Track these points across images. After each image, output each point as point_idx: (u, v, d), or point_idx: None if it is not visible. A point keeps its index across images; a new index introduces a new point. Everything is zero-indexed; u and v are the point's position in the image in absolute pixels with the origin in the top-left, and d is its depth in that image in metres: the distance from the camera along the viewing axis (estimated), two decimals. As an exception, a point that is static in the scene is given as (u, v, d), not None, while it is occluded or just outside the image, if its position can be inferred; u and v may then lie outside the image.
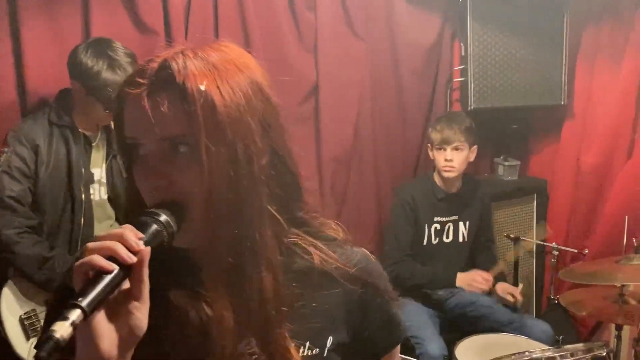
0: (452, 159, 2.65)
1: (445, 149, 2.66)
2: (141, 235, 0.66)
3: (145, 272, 0.65)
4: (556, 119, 3.14)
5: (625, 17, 2.76)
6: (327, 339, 0.82)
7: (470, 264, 2.86)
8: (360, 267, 0.85)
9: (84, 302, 0.60)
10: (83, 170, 2.09)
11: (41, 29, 2.21)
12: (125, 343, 0.65)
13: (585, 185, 2.98)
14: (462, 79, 3.03)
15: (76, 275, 0.63)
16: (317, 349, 0.81)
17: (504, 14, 2.95)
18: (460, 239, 2.80)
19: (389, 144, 3.09)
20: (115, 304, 0.65)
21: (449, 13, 3.05)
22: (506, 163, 3.25)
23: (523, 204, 3.22)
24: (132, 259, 0.64)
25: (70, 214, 2.08)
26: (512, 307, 2.88)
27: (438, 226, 2.76)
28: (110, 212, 2.21)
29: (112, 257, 0.63)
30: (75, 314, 0.59)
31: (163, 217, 0.70)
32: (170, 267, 0.77)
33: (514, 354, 2.05)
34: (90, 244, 0.64)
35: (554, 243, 3.05)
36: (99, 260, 0.62)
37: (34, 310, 2.05)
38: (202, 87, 0.72)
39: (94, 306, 0.61)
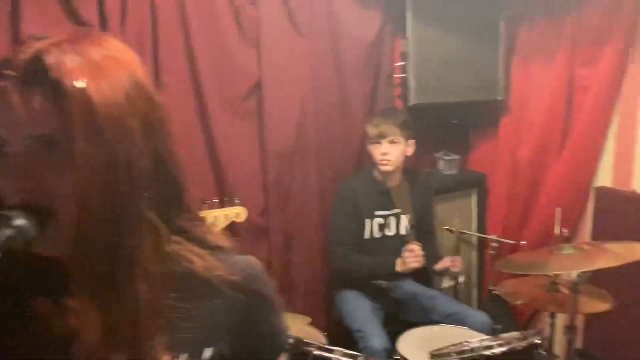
0: (388, 153, 2.70)
1: (381, 143, 2.70)
2: None
3: None
4: (494, 115, 3.23)
5: (558, 17, 2.86)
6: (207, 350, 0.78)
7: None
8: (245, 275, 0.82)
9: None
10: None
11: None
12: None
13: (521, 179, 3.08)
14: (403, 75, 3.07)
15: None
16: None
17: (443, 11, 3.00)
18: (403, 232, 2.85)
19: (332, 139, 3.10)
20: None
21: (390, 9, 3.08)
22: (446, 158, 3.31)
23: (463, 198, 3.30)
24: None
25: None
26: (454, 294, 2.96)
27: (380, 220, 2.80)
28: None
29: None
30: None
31: (19, 222, 0.65)
32: (34, 273, 0.71)
33: (452, 345, 2.09)
34: None
35: (493, 235, 3.16)
36: None
37: None
38: (79, 84, 0.66)
39: None
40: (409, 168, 2.96)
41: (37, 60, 0.67)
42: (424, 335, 2.46)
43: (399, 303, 2.81)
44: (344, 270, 2.78)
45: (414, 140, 2.79)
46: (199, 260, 0.78)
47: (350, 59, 3.07)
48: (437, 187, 3.14)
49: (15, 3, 2.24)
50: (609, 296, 2.34)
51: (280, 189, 2.99)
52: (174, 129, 2.74)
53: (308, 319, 2.08)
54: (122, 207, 0.69)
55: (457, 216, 3.26)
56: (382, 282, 2.83)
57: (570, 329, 2.18)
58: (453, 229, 3.14)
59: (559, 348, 2.41)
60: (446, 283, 3.15)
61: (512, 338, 1.99)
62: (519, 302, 2.44)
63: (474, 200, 3.32)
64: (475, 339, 2.11)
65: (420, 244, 2.65)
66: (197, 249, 0.79)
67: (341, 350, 1.95)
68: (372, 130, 2.74)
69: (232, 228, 2.81)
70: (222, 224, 2.46)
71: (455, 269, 2.72)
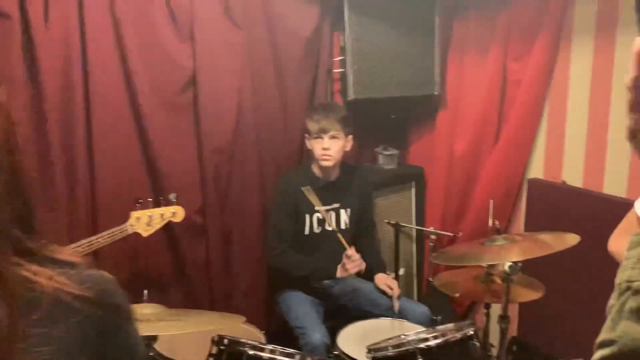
0: (330, 148, 2.69)
1: (322, 138, 2.69)
2: None
3: None
4: (431, 109, 3.27)
5: (491, 11, 2.91)
6: None
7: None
8: (98, 290, 0.79)
9: None
10: None
11: None
12: None
13: (457, 172, 3.13)
14: (342, 69, 3.06)
15: None
16: None
17: (380, 5, 3.01)
18: (343, 226, 2.85)
19: (271, 134, 3.06)
20: None
21: (327, 3, 3.07)
22: (386, 152, 3.34)
23: (402, 191, 3.33)
24: None
25: None
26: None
27: (320, 215, 2.79)
28: None
29: None
30: None
31: None
32: None
33: (390, 339, 2.10)
34: None
35: (431, 227, 3.20)
36: None
37: None
38: None
39: None
40: (348, 163, 2.97)
41: None
42: (363, 330, 2.47)
43: (339, 298, 2.81)
44: (283, 270, 2.76)
45: (352, 136, 2.80)
46: (48, 281, 0.74)
47: (289, 53, 3.04)
48: (376, 182, 3.16)
49: None
50: (541, 285, 2.41)
51: (218, 185, 2.93)
52: (107, 125, 2.64)
53: (242, 318, 2.04)
54: None
55: (396, 210, 3.29)
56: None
57: (503, 318, 2.23)
58: (392, 222, 3.16)
59: (494, 337, 2.46)
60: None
61: (447, 330, 2.02)
62: (455, 293, 2.49)
63: (412, 193, 3.36)
64: (412, 332, 2.12)
65: (355, 251, 2.64)
66: (46, 270, 0.75)
67: (277, 349, 1.92)
68: (312, 126, 2.73)
69: (170, 227, 2.75)
70: (158, 224, 2.39)
71: (390, 293, 2.70)
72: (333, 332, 2.48)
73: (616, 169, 2.56)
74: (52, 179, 2.53)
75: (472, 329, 2.01)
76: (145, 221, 2.35)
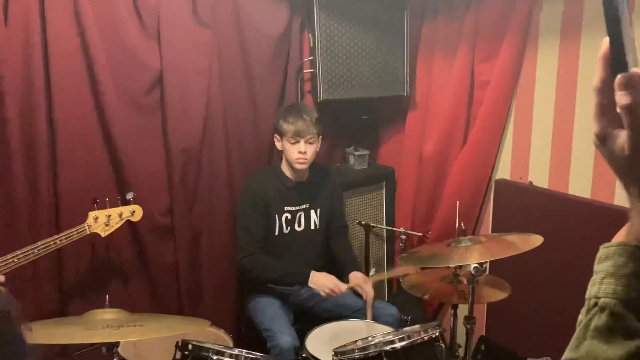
0: (306, 152, 2.66)
1: (298, 142, 2.66)
2: None
3: None
4: (401, 110, 3.27)
5: (458, 13, 2.93)
6: None
7: (325, 252, 2.90)
8: None
9: None
10: None
11: None
12: None
13: (426, 173, 3.14)
14: (312, 70, 3.05)
15: None
16: None
17: (349, 6, 3.01)
18: (312, 227, 2.83)
19: (240, 134, 3.03)
20: None
21: (297, 3, 3.05)
22: (356, 153, 3.33)
23: (373, 192, 3.34)
24: None
25: None
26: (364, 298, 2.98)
27: (289, 215, 2.77)
28: None
29: None
30: None
31: None
32: None
33: (357, 340, 2.10)
34: None
35: (401, 228, 3.21)
36: None
37: None
38: None
39: None
40: (318, 163, 2.95)
41: None
42: (331, 332, 2.46)
43: (308, 301, 2.79)
44: (253, 273, 2.72)
45: (321, 136, 2.78)
46: None
47: (258, 52, 3.01)
48: (347, 182, 3.15)
49: None
50: (508, 285, 2.44)
51: (186, 186, 2.90)
52: (71, 126, 2.58)
53: (207, 322, 2.02)
54: None
55: (367, 210, 3.29)
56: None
57: (469, 319, 2.24)
58: (363, 222, 3.16)
59: (461, 337, 2.48)
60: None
61: (413, 331, 2.02)
62: (425, 297, 2.49)
63: (383, 194, 3.36)
64: (379, 333, 2.12)
65: (343, 286, 2.63)
66: None
67: (242, 353, 1.90)
68: (287, 128, 2.66)
69: (136, 228, 2.71)
70: (117, 223, 2.35)
71: (367, 295, 2.68)
72: (302, 335, 2.47)
73: (581, 170, 2.60)
74: (12, 179, 2.47)
75: (438, 330, 2.02)
76: (104, 221, 2.32)
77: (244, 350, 1.98)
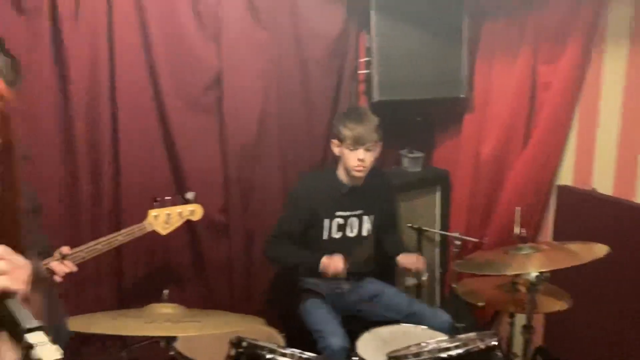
0: (364, 159, 2.62)
1: (357, 149, 2.61)
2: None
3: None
4: (458, 112, 3.21)
5: (520, 14, 2.85)
6: None
7: (375, 257, 2.88)
8: None
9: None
10: None
11: None
12: None
13: (484, 176, 3.07)
14: (367, 71, 3.03)
15: None
16: None
17: (407, 6, 2.97)
18: (365, 233, 2.80)
19: (295, 135, 3.04)
20: None
21: (354, 5, 3.03)
22: (410, 155, 3.29)
23: (427, 195, 3.28)
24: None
25: None
26: (417, 292, 2.94)
27: (341, 221, 2.74)
28: None
29: None
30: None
31: None
32: None
33: (410, 346, 2.07)
34: None
35: (455, 233, 3.14)
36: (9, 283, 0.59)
37: None
38: None
39: None
40: (374, 166, 2.91)
41: None
42: (383, 336, 2.43)
43: (357, 303, 2.77)
44: (273, 259, 2.75)
45: (381, 142, 2.73)
46: None
47: (314, 54, 3.01)
48: (401, 185, 3.12)
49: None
50: (568, 295, 2.35)
51: (241, 185, 2.93)
52: (132, 123, 2.64)
53: (261, 320, 2.03)
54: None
55: (420, 214, 3.24)
56: (343, 283, 2.79)
57: (527, 328, 2.17)
58: (416, 226, 3.12)
59: (517, 347, 2.41)
60: (409, 281, 3.13)
61: (469, 339, 1.97)
62: (478, 302, 2.44)
63: (437, 197, 3.30)
64: (432, 339, 2.08)
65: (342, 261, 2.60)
66: None
67: (296, 353, 1.90)
68: (347, 134, 2.61)
69: (192, 225, 2.75)
70: (177, 222, 2.39)
71: (418, 269, 2.67)
72: (351, 337, 2.45)
73: (649, 178, 2.48)
74: (76, 176, 2.56)
75: (495, 339, 1.96)
76: (163, 219, 2.36)
77: (297, 350, 1.98)
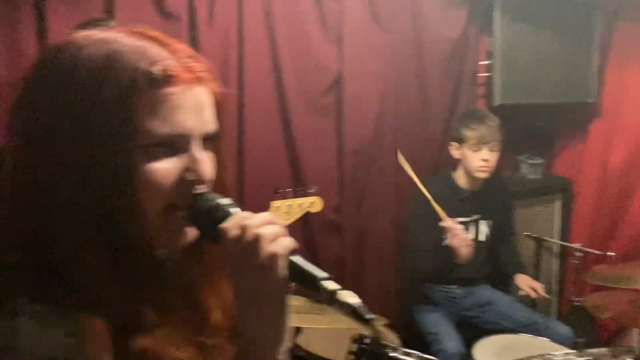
0: (489, 159, 2.57)
1: (481, 149, 2.56)
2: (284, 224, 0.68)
3: None
4: (584, 117, 3.06)
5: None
6: None
7: (489, 262, 2.81)
8: None
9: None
10: None
11: (65, 14, 2.19)
12: None
13: (612, 186, 2.91)
14: (488, 74, 2.97)
15: (272, 260, 0.64)
16: None
17: (533, 8, 2.88)
18: (482, 238, 2.74)
19: (410, 138, 3.04)
20: None
21: (476, 6, 2.99)
22: (530, 161, 3.18)
23: (546, 203, 3.16)
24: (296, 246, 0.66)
25: None
26: (532, 303, 2.83)
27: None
28: None
29: None
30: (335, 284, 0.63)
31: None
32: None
33: (535, 356, 2.00)
34: (269, 231, 0.64)
35: (577, 244, 2.99)
36: (292, 241, 0.66)
37: None
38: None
39: None
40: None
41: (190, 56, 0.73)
42: (501, 343, 2.37)
43: (472, 309, 2.72)
44: (421, 272, 2.70)
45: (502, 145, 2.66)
46: None
47: (433, 57, 3.00)
48: (518, 192, 3.02)
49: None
50: None
51: (356, 186, 2.97)
52: (257, 122, 2.77)
53: (383, 320, 2.04)
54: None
55: (538, 223, 3.13)
56: (457, 288, 2.75)
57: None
58: (534, 235, 3.00)
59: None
60: (524, 291, 3.01)
61: (601, 354, 1.88)
62: (606, 316, 2.31)
63: (557, 206, 3.16)
64: (559, 352, 2.01)
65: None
66: None
67: (419, 354, 1.90)
68: (470, 134, 2.57)
69: (306, 223, 2.82)
70: (297, 213, 2.45)
71: (534, 296, 2.57)
72: (465, 343, 2.41)
73: None
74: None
75: (631, 356, 1.85)
76: (284, 210, 2.42)
77: (416, 352, 1.98)
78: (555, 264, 3.21)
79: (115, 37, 0.71)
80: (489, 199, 2.74)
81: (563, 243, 3.10)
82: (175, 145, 0.70)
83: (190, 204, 0.70)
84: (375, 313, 2.26)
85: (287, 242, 0.65)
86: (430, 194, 2.68)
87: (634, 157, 2.80)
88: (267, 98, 2.76)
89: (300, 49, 2.76)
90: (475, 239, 2.72)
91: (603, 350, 1.95)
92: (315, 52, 2.80)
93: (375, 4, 2.82)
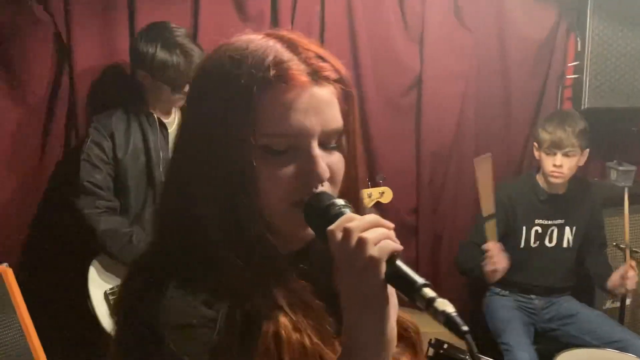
0: (562, 165, 2.46)
1: (555, 154, 2.47)
2: (392, 226, 0.67)
3: None
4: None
5: None
6: None
7: (574, 272, 2.70)
8: None
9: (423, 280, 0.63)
10: (162, 154, 2.15)
11: (154, 17, 2.27)
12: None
13: None
14: (576, 75, 2.85)
15: (372, 262, 0.64)
16: None
17: (628, 8, 2.73)
18: (565, 244, 2.63)
19: (491, 140, 2.96)
20: None
21: (567, 6, 2.87)
22: (620, 168, 3.02)
23: (636, 213, 2.98)
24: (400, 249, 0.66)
25: (152, 197, 2.15)
26: (620, 317, 2.68)
27: (539, 229, 2.60)
28: None
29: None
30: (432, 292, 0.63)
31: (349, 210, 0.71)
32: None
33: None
34: (372, 234, 0.64)
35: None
36: (395, 245, 0.65)
37: (118, 285, 2.14)
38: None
39: None
40: (577, 176, 2.73)
41: (318, 57, 0.74)
42: (586, 358, 2.26)
43: (552, 322, 2.61)
44: (458, 263, 2.69)
45: (588, 150, 2.54)
46: None
47: (518, 57, 2.92)
48: (607, 199, 2.86)
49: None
50: None
51: (433, 188, 2.93)
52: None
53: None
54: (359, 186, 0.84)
55: (629, 233, 2.95)
56: (535, 298, 2.65)
57: None
58: (623, 246, 2.84)
59: None
60: (610, 304, 2.87)
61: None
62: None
63: (649, 216, 2.98)
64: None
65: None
66: None
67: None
68: (544, 137, 2.48)
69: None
70: (367, 204, 2.44)
71: (627, 286, 2.42)
72: (540, 357, 2.31)
73: None
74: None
75: None
76: None
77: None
78: (645, 278, 3.02)
79: (248, 39, 0.75)
80: (574, 204, 2.62)
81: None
82: (294, 144, 0.72)
83: (306, 203, 0.72)
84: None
85: (389, 246, 0.65)
86: (507, 196, 2.61)
87: None
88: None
89: (381, 48, 2.75)
90: (559, 245, 2.62)
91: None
92: (395, 51, 2.78)
93: (458, 2, 2.77)
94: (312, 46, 0.75)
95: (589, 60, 2.75)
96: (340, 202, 0.71)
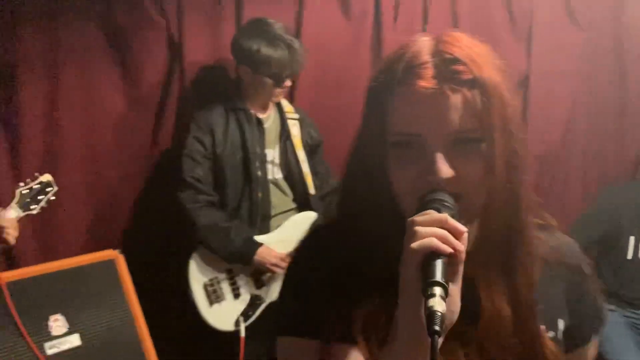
0: None
1: None
2: (465, 229, 0.67)
3: (462, 259, 0.67)
4: None
5: None
6: (559, 323, 0.83)
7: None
8: (573, 255, 0.88)
9: (442, 279, 0.63)
10: (258, 149, 2.18)
11: (260, 13, 2.30)
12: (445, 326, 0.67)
13: None
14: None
15: (412, 253, 0.66)
16: (553, 332, 0.82)
17: None
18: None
19: (602, 143, 2.82)
20: None
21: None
22: None
23: None
24: (461, 249, 0.66)
25: (248, 191, 2.17)
26: None
27: None
28: (286, 190, 2.27)
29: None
30: (440, 290, 0.62)
31: (456, 210, 0.71)
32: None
33: None
34: (423, 229, 0.66)
35: None
36: (439, 244, 0.65)
37: (216, 277, 2.16)
38: (497, 83, 0.74)
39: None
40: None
41: (454, 59, 0.73)
42: None
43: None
44: None
45: None
46: (543, 243, 0.83)
47: (636, 56, 2.74)
48: None
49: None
50: None
51: (537, 193, 2.78)
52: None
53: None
54: (518, 190, 0.77)
55: None
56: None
57: None
58: None
59: None
60: None
61: None
62: None
63: None
64: None
65: None
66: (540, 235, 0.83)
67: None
68: None
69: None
70: None
71: None
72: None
73: None
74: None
75: None
76: None
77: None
78: None
79: (411, 39, 0.78)
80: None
81: None
82: (416, 145, 0.74)
83: (419, 199, 0.73)
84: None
85: (431, 243, 0.65)
86: (613, 202, 2.47)
87: None
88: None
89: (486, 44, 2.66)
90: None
91: None
92: (502, 50, 2.65)
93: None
94: (459, 49, 0.74)
95: None
96: (447, 202, 0.71)
